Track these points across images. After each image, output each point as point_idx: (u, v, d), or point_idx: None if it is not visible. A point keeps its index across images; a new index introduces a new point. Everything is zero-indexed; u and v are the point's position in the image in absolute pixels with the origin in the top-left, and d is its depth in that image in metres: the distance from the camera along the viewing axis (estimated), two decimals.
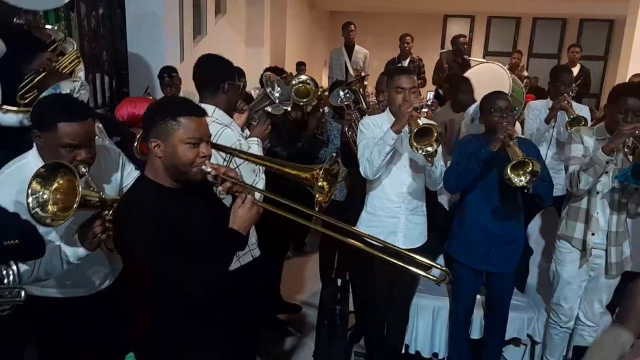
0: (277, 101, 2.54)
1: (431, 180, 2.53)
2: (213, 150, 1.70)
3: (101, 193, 1.68)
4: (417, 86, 2.63)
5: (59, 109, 1.68)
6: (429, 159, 2.31)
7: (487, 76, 5.46)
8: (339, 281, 2.87)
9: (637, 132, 2.19)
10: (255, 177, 2.23)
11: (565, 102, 3.14)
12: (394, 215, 2.57)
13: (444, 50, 6.63)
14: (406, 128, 2.31)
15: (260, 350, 2.78)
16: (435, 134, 2.21)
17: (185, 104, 1.57)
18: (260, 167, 2.21)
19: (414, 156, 2.50)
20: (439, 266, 1.68)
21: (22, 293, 1.54)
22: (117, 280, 2.07)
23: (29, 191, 1.53)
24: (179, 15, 4.66)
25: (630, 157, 2.23)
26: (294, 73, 6.89)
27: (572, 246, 2.61)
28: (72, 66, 2.81)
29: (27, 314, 1.70)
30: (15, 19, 2.59)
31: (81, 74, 2.91)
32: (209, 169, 1.53)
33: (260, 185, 2.21)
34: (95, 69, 4.08)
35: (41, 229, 1.72)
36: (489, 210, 2.55)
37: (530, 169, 2.19)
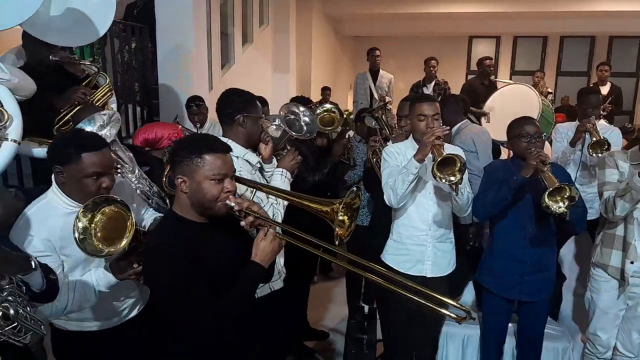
0: (299, 133, 2.57)
1: (458, 207, 2.50)
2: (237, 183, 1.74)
3: (135, 224, 1.72)
4: (439, 113, 2.63)
5: (79, 142, 1.75)
6: (454, 187, 2.29)
7: (516, 98, 5.42)
8: (366, 308, 2.85)
9: None
10: (267, 207, 2.24)
11: (590, 124, 3.08)
12: (420, 243, 2.54)
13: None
14: (430, 155, 2.31)
15: None
16: (459, 164, 2.19)
17: (210, 141, 1.61)
18: (279, 200, 2.23)
19: (439, 184, 2.48)
20: (458, 305, 1.63)
21: (42, 327, 1.53)
22: (146, 308, 2.11)
23: (76, 221, 1.58)
24: (207, 46, 4.82)
25: None
26: (320, 97, 7.03)
27: (608, 274, 2.52)
28: (105, 99, 2.92)
29: None
30: (51, 57, 2.70)
31: (114, 105, 3.03)
32: (233, 204, 1.57)
33: (278, 217, 2.23)
34: (127, 99, 4.23)
35: (69, 264, 1.79)
36: (522, 237, 2.49)
37: (567, 194, 2.14)
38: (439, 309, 1.61)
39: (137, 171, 2.49)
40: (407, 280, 1.72)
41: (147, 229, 2.10)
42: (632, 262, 2.45)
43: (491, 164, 2.79)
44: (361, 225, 3.01)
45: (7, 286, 1.35)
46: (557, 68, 10.23)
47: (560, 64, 10.30)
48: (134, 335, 2.01)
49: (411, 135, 2.62)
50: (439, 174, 2.17)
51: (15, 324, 1.39)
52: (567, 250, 3.15)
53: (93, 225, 1.60)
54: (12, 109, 2.20)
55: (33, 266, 1.48)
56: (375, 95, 5.99)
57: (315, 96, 7.33)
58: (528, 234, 2.49)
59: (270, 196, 2.17)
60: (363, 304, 3.27)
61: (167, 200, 2.60)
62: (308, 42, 7.90)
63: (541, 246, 2.51)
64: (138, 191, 2.23)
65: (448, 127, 2.55)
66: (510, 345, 2.81)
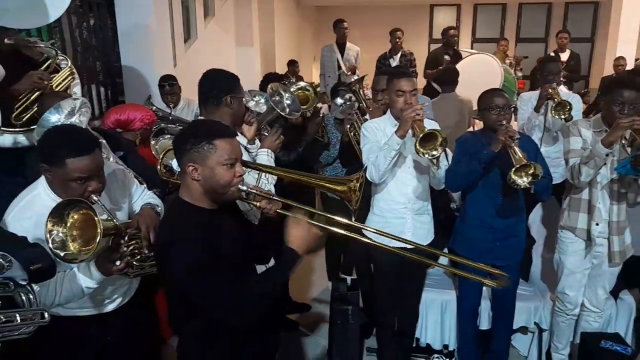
0: (284, 112, 2.56)
1: (435, 181, 2.58)
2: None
3: (115, 220, 1.68)
4: (417, 88, 2.67)
5: (65, 144, 1.65)
6: (434, 162, 2.35)
7: (479, 68, 5.54)
8: (349, 280, 2.92)
9: (635, 125, 2.25)
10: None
11: (552, 89, 3.20)
12: (400, 216, 2.61)
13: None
14: (410, 132, 2.35)
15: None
16: (440, 139, 2.25)
17: (218, 127, 1.61)
18: (270, 180, 2.24)
19: (417, 157, 2.54)
20: (496, 271, 1.79)
21: (46, 315, 1.51)
22: (138, 293, 2.11)
23: (47, 235, 1.53)
24: (169, 21, 4.65)
25: (629, 149, 2.29)
26: (285, 70, 6.94)
27: (576, 236, 2.67)
28: (67, 82, 2.76)
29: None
30: (5, 40, 2.54)
31: (77, 88, 2.85)
32: (245, 187, 1.58)
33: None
34: (89, 80, 4.06)
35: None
36: (492, 206, 2.60)
37: (532, 171, 2.25)
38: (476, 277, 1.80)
39: (112, 158, 2.43)
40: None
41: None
42: (597, 224, 2.60)
43: (463, 137, 2.86)
44: (337, 200, 3.05)
45: None
46: (516, 35, 10.42)
47: (519, 31, 10.50)
48: (127, 320, 2.02)
49: (389, 110, 2.66)
50: (421, 150, 2.22)
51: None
52: (536, 215, 3.29)
53: (66, 231, 1.55)
54: None
55: (6, 265, 1.41)
56: (344, 68, 5.98)
57: (280, 69, 7.23)
58: (497, 203, 2.60)
59: (261, 177, 2.18)
60: (344, 275, 3.36)
61: (145, 185, 2.56)
62: (270, 14, 7.73)
63: (510, 213, 2.62)
64: (131, 174, 2.18)
65: (426, 104, 2.59)
66: (485, 307, 2.95)
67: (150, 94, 4.11)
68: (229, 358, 1.68)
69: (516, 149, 2.30)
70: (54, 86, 2.62)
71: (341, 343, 2.76)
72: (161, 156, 2.34)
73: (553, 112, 3.12)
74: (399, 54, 5.83)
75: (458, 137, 2.79)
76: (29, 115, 2.47)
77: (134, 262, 1.75)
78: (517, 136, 2.38)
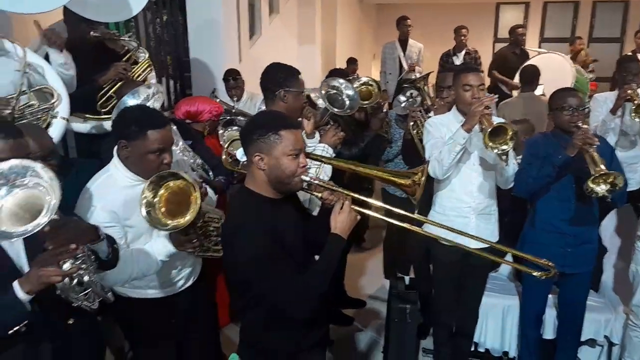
0: (340, 110, 2.56)
1: (502, 179, 2.49)
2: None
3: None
4: (484, 84, 2.59)
5: (146, 118, 1.80)
6: (503, 157, 2.27)
7: (548, 67, 5.29)
8: (407, 279, 2.89)
9: None
10: None
11: (632, 90, 3.01)
12: (464, 215, 2.54)
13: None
14: (477, 127, 2.29)
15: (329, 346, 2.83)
16: (510, 132, 2.18)
17: (283, 118, 1.64)
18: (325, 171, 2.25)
19: (483, 154, 2.46)
20: (542, 261, 1.79)
21: (110, 294, 1.60)
22: (201, 277, 2.19)
23: (142, 201, 1.62)
24: (236, 17, 4.77)
25: None
26: (344, 67, 6.93)
27: None
28: (145, 74, 2.95)
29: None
30: (92, 32, 2.71)
31: (153, 80, 3.06)
32: (308, 178, 1.60)
33: None
34: (160, 73, 4.24)
35: (132, 234, 1.85)
36: (564, 211, 2.48)
37: (611, 179, 2.13)
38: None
39: (181, 143, 2.53)
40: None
41: None
42: None
43: (533, 138, 2.75)
44: (400, 197, 3.01)
45: (80, 254, 1.41)
46: (589, 35, 9.87)
47: (592, 30, 9.94)
48: (191, 303, 2.09)
49: (454, 106, 2.60)
50: (490, 143, 2.16)
51: (90, 289, 1.45)
52: (609, 222, 3.11)
53: (157, 199, 1.64)
54: (59, 88, 2.25)
55: (101, 236, 1.54)
56: (405, 65, 5.90)
57: (341, 67, 7.22)
58: (570, 209, 2.48)
59: (320, 170, 2.19)
60: (401, 275, 3.31)
61: (210, 173, 2.65)
62: (333, 12, 7.75)
63: (584, 219, 2.50)
64: (198, 160, 2.26)
65: (496, 96, 2.51)
66: (550, 316, 2.83)
67: (215, 87, 4.24)
68: (287, 346, 1.71)
69: (595, 155, 2.19)
70: (133, 77, 2.77)
71: (398, 341, 2.73)
72: (226, 145, 2.41)
73: (633, 114, 2.93)
74: (463, 52, 5.70)
75: (527, 139, 2.68)
76: (112, 104, 2.62)
77: (204, 243, 1.87)
78: (597, 142, 2.25)
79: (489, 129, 2.16)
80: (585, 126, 2.33)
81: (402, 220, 1.77)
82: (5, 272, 1.42)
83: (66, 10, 2.65)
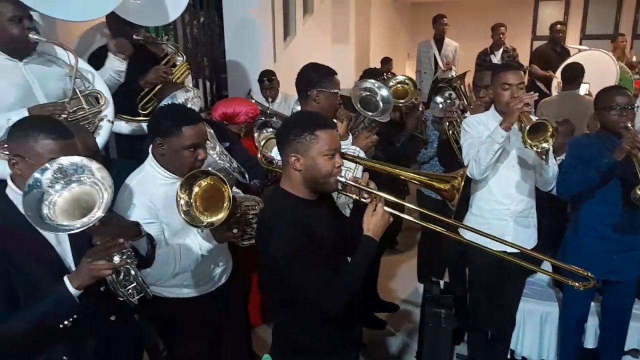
0: (373, 113, 2.53)
1: (542, 180, 2.42)
2: None
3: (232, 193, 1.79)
4: (524, 82, 2.52)
5: (180, 115, 1.85)
6: (543, 156, 2.20)
7: (591, 65, 5.10)
8: (442, 283, 2.84)
9: None
10: None
11: None
12: (502, 218, 2.49)
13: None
14: (515, 125, 2.23)
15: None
16: (550, 129, 2.11)
17: (320, 118, 1.65)
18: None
19: (522, 154, 2.40)
20: (581, 271, 1.72)
21: (149, 290, 1.61)
22: (233, 276, 2.22)
23: (178, 200, 1.66)
24: (271, 19, 4.81)
25: None
26: (378, 67, 6.89)
27: None
28: (183, 77, 3.01)
29: None
30: (134, 36, 2.78)
31: (189, 83, 3.12)
32: (343, 179, 1.60)
33: None
34: (197, 74, 4.32)
35: (169, 231, 1.89)
36: (609, 215, 2.39)
37: None
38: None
39: (218, 147, 2.56)
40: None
41: None
42: None
43: (576, 139, 2.65)
44: (435, 199, 2.97)
45: (126, 250, 1.45)
46: (632, 31, 9.48)
47: (636, 26, 9.54)
48: (224, 302, 2.12)
49: (492, 105, 2.54)
50: (530, 141, 2.10)
51: (134, 283, 1.49)
52: None
53: (192, 199, 1.67)
54: (105, 92, 2.34)
55: (142, 232, 1.59)
56: (441, 64, 5.82)
57: (374, 66, 7.18)
58: (616, 213, 2.38)
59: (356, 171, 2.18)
60: (436, 279, 3.27)
61: (246, 176, 2.67)
62: (367, 11, 7.72)
63: (630, 225, 2.40)
64: (235, 164, 2.30)
65: (536, 94, 2.44)
66: (592, 324, 2.73)
67: (250, 88, 4.29)
68: (318, 345, 1.70)
69: None
70: (172, 79, 2.84)
71: (432, 346, 2.69)
72: (261, 145, 2.42)
73: None
74: (501, 50, 5.58)
75: (570, 140, 2.59)
76: (152, 106, 2.69)
77: (246, 230, 1.92)
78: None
79: (529, 126, 2.10)
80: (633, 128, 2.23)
81: (437, 224, 1.75)
82: (53, 268, 1.47)
83: (110, 13, 2.72)
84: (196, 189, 1.69)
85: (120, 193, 1.89)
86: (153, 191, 1.86)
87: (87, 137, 1.97)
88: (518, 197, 2.46)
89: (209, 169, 1.78)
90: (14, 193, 1.47)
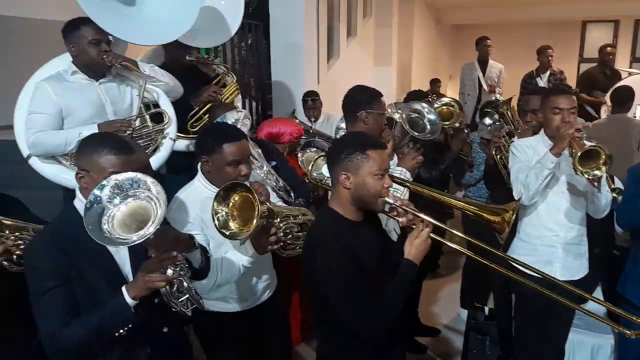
0: (421, 134, 2.54)
1: (594, 207, 2.34)
2: None
3: (268, 203, 1.84)
4: (576, 106, 2.48)
5: (221, 133, 1.95)
6: (595, 183, 2.14)
7: None
8: (487, 310, 2.78)
9: None
10: None
11: None
12: (550, 245, 2.42)
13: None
14: (566, 151, 2.19)
15: None
16: (604, 156, 2.06)
17: (370, 139, 1.67)
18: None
19: (573, 180, 2.34)
20: (636, 319, 1.56)
21: (202, 301, 1.66)
22: (276, 292, 2.25)
23: (213, 214, 1.71)
24: (316, 42, 4.92)
25: None
26: (423, 88, 6.89)
27: None
28: (233, 97, 3.11)
29: None
30: (187, 57, 2.91)
31: (239, 103, 3.23)
32: (392, 200, 1.61)
33: None
34: (243, 94, 4.44)
35: (213, 244, 1.94)
36: None
37: None
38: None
39: (265, 167, 2.63)
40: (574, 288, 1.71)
41: None
42: None
43: (637, 167, 2.56)
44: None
45: (179, 262, 1.50)
46: None
47: None
48: (266, 318, 2.15)
49: (541, 130, 2.50)
50: (581, 168, 2.05)
51: (187, 295, 1.54)
52: None
53: (229, 212, 1.72)
54: (169, 110, 2.47)
55: (195, 245, 1.64)
56: (485, 87, 5.77)
57: (416, 88, 7.19)
58: None
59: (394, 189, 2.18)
60: (479, 305, 3.20)
61: (292, 194, 2.71)
62: (409, 33, 7.76)
63: None
64: (281, 183, 2.34)
65: (589, 124, 2.39)
66: None
67: (294, 108, 4.38)
68: None
69: None
70: (222, 99, 2.94)
71: None
72: (310, 165, 2.47)
73: None
74: (548, 73, 5.46)
75: (631, 167, 2.50)
76: (202, 123, 2.79)
77: (287, 241, 1.94)
78: None
79: (580, 152, 2.05)
80: None
81: (484, 253, 1.72)
82: (113, 278, 1.54)
83: None
84: (232, 202, 1.73)
85: (171, 205, 1.96)
86: (199, 204, 1.93)
87: (140, 152, 2.06)
88: (568, 224, 2.39)
89: (237, 181, 1.81)
90: (80, 204, 1.55)
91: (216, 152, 1.90)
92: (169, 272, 1.47)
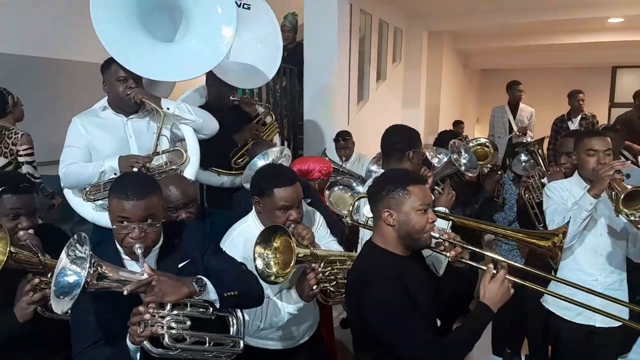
0: (462, 168, 2.57)
1: (636, 251, 2.29)
2: None
3: (312, 248, 1.82)
4: (611, 148, 2.47)
5: (273, 177, 1.92)
6: (639, 225, 2.11)
7: None
8: (523, 357, 2.69)
9: None
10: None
11: None
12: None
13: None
14: (604, 193, 2.17)
15: None
16: None
17: (411, 175, 1.69)
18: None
19: (612, 222, 2.31)
20: None
21: (241, 343, 1.63)
22: (316, 334, 2.22)
23: (255, 256, 1.71)
24: (347, 85, 5.07)
25: None
26: (447, 129, 6.93)
27: None
28: (273, 135, 3.22)
29: None
30: (230, 97, 3.03)
31: (277, 141, 3.34)
32: (437, 234, 1.60)
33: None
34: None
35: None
36: None
37: None
38: None
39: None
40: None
41: None
42: None
43: None
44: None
45: (166, 312, 1.43)
46: None
47: None
48: (306, 357, 2.13)
49: (576, 172, 2.49)
50: (625, 210, 2.02)
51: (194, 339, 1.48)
52: None
53: (270, 254, 1.72)
54: (193, 148, 2.48)
55: (195, 291, 1.49)
56: (515, 129, 5.78)
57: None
58: None
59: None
60: (512, 351, 3.09)
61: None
62: (438, 77, 7.91)
63: None
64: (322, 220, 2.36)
65: (629, 162, 2.38)
66: None
67: (325, 147, 4.47)
68: None
69: None
70: (263, 137, 3.04)
71: None
72: (353, 205, 2.48)
73: None
74: (579, 117, 5.45)
75: None
76: (244, 161, 2.88)
77: (330, 288, 1.86)
78: None
79: (624, 193, 2.03)
80: None
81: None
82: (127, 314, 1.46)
83: (210, 75, 2.97)
84: (274, 245, 1.73)
85: (228, 234, 2.01)
86: (251, 243, 1.87)
87: (186, 186, 2.11)
88: (607, 268, 2.34)
89: (276, 224, 1.80)
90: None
91: (267, 195, 1.88)
92: (150, 328, 1.38)
